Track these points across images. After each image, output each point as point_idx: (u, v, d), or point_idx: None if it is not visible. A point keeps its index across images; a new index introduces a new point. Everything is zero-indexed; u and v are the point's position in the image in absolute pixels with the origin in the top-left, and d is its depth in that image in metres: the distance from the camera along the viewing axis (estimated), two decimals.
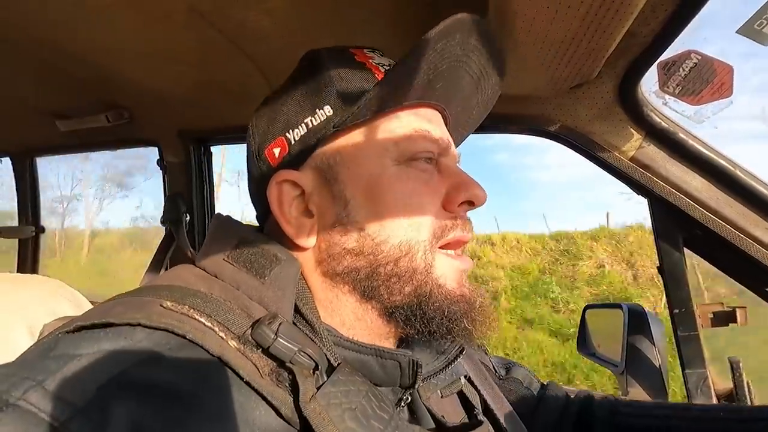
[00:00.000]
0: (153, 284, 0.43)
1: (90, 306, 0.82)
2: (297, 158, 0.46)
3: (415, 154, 0.45)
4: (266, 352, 0.37)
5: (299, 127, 0.45)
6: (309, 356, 0.38)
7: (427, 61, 0.41)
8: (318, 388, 0.37)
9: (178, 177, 1.31)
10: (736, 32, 0.57)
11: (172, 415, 0.31)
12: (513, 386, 0.68)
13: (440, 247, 0.46)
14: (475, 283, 0.49)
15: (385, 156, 0.45)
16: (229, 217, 0.49)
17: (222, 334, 0.36)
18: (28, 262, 1.68)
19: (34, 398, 0.28)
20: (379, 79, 0.46)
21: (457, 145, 0.55)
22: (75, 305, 0.81)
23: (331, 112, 0.44)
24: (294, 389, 0.36)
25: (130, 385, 0.31)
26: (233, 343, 0.36)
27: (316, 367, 0.38)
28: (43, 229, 1.68)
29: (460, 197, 0.46)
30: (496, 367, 0.69)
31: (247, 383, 0.35)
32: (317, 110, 0.45)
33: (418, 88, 0.44)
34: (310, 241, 0.45)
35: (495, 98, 0.54)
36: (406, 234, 0.44)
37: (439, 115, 0.50)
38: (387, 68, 0.48)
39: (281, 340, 0.37)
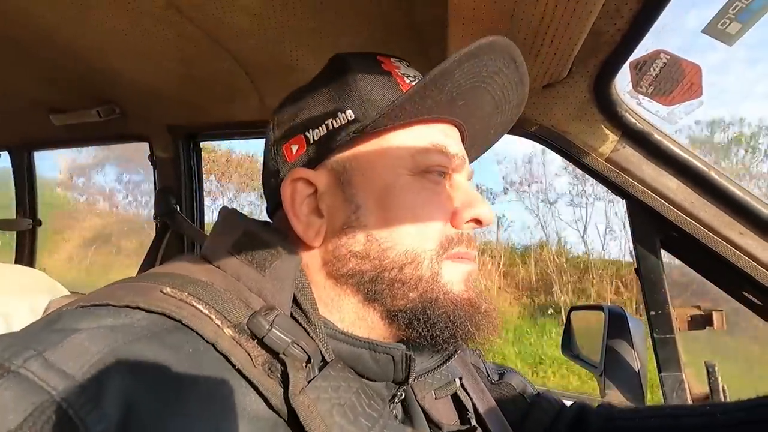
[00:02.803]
0: (155, 272, 0.44)
1: (71, 294, 0.84)
2: (314, 158, 0.47)
3: (429, 167, 0.46)
4: (260, 342, 0.38)
5: (320, 127, 0.46)
6: (302, 349, 0.38)
7: (452, 79, 0.42)
8: (309, 382, 0.37)
9: (167, 172, 1.33)
10: (702, 32, 0.57)
11: (165, 393, 0.31)
12: (505, 391, 0.67)
13: (447, 258, 0.46)
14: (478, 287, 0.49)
15: (400, 166, 0.45)
16: (234, 210, 0.51)
17: (218, 322, 0.37)
18: (25, 254, 1.71)
19: (34, 367, 0.29)
20: (404, 89, 0.47)
21: (471, 161, 0.56)
22: (54, 296, 0.83)
23: (353, 116, 0.45)
24: (285, 381, 0.37)
25: (126, 361, 0.31)
26: (228, 332, 0.37)
27: (309, 361, 0.39)
28: (40, 222, 1.71)
29: (468, 215, 0.47)
30: (489, 372, 0.69)
31: (239, 371, 0.35)
32: (339, 113, 0.46)
33: (441, 104, 0.45)
34: (317, 240, 0.46)
35: (514, 120, 0.55)
36: (412, 243, 0.44)
37: (457, 131, 0.51)
38: (412, 79, 0.48)
39: (275, 331, 0.38)
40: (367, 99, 0.45)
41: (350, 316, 0.46)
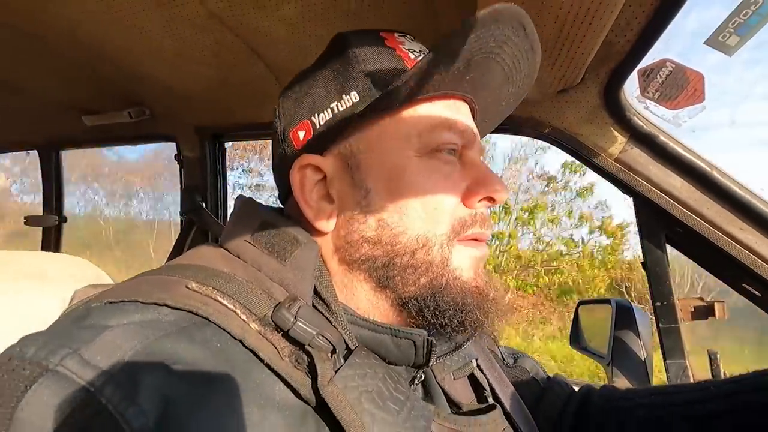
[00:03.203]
0: (178, 263, 0.44)
1: (96, 284, 0.90)
2: (321, 142, 0.46)
3: (439, 146, 0.45)
4: (286, 335, 0.38)
5: (325, 111, 0.45)
6: (327, 340, 0.39)
7: (459, 53, 0.39)
8: (335, 371, 0.38)
9: (194, 171, 1.39)
10: (704, 43, 0.63)
11: (197, 388, 0.32)
12: (519, 374, 0.68)
13: (459, 241, 0.46)
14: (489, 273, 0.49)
15: (408, 147, 0.44)
16: (251, 199, 0.51)
17: (244, 317, 0.37)
18: (50, 249, 1.77)
19: (71, 364, 0.29)
20: (408, 66, 0.45)
21: (482, 136, 0.55)
22: (98, 284, 0.89)
23: (358, 98, 0.44)
24: (312, 372, 0.37)
25: (159, 357, 0.32)
26: (254, 326, 0.37)
27: (334, 350, 0.39)
28: (65, 219, 1.77)
29: (480, 193, 0.45)
30: (504, 356, 0.70)
31: (267, 365, 0.36)
32: (344, 96, 0.45)
33: (448, 79, 0.43)
34: (329, 226, 0.46)
35: (526, 91, 0.52)
36: (423, 227, 0.44)
37: (467, 105, 0.49)
38: (417, 54, 0.47)
39: (300, 323, 0.38)
40: (371, 78, 0.44)
41: (364, 303, 0.46)
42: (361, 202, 0.45)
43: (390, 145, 0.45)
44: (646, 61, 0.74)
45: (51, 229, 1.79)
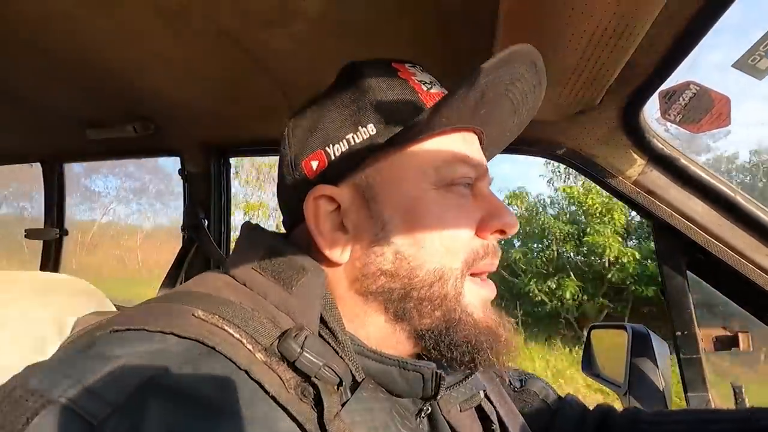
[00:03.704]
0: (183, 290, 0.44)
1: (113, 308, 0.87)
2: (336, 173, 0.46)
3: (455, 180, 0.45)
4: (292, 365, 0.38)
5: (340, 142, 0.45)
6: (334, 371, 0.38)
7: (476, 89, 0.41)
8: (342, 405, 0.37)
9: (198, 186, 1.37)
10: (732, 66, 0.60)
11: (202, 422, 0.32)
12: (528, 399, 0.67)
13: (471, 274, 0.46)
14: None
15: (425, 180, 0.45)
16: (257, 226, 0.51)
17: (250, 347, 0.37)
18: (50, 262, 1.75)
19: (75, 396, 0.29)
20: (422, 97, 0.46)
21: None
22: (99, 306, 0.85)
23: (374, 131, 0.44)
24: (318, 405, 0.37)
25: (164, 389, 0.32)
26: (260, 356, 0.37)
27: (341, 383, 0.39)
28: (66, 232, 1.75)
29: (493, 225, 0.46)
30: (511, 379, 0.68)
31: (273, 397, 0.35)
32: (360, 127, 0.45)
33: (465, 114, 0.44)
34: (343, 257, 0.45)
35: (528, 121, 0.54)
36: (441, 260, 0.44)
37: (476, 137, 0.50)
38: (428, 86, 0.48)
39: (306, 354, 0.37)
40: (387, 111, 0.45)
41: (376, 333, 0.46)
42: (378, 234, 0.45)
43: (407, 177, 0.45)
44: (668, 83, 0.71)
45: (52, 242, 1.77)
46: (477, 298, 0.46)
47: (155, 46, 0.93)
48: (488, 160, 0.60)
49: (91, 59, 1.02)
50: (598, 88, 0.68)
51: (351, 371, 0.40)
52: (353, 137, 0.45)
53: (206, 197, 1.36)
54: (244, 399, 0.34)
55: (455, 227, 0.45)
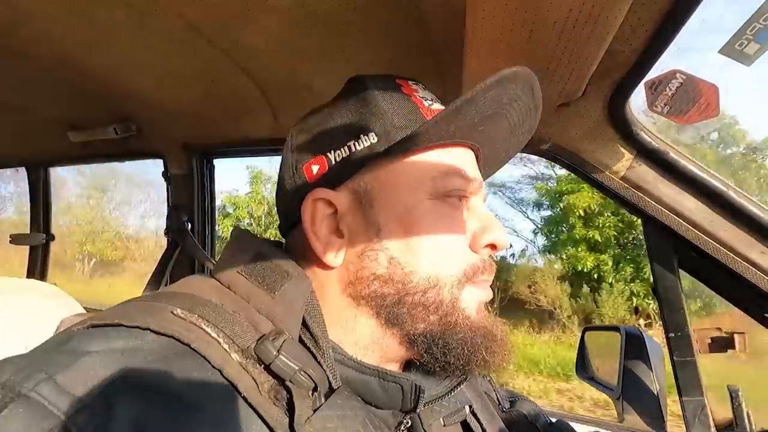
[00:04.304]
0: (167, 291, 0.44)
1: (83, 311, 0.84)
2: (335, 178, 0.47)
3: (450, 192, 0.46)
4: (267, 368, 0.37)
5: (342, 149, 0.46)
6: (309, 376, 0.38)
7: (476, 106, 0.42)
8: (314, 411, 0.37)
9: (181, 188, 1.35)
10: (718, 52, 0.57)
11: (174, 420, 0.31)
12: (517, 420, 0.65)
13: (470, 285, 0.46)
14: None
15: (421, 189, 0.45)
16: (246, 231, 0.51)
17: (226, 346, 0.37)
18: (37, 268, 1.72)
19: (45, 390, 0.29)
20: (423, 113, 0.48)
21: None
22: (69, 312, 0.83)
23: (376, 140, 0.45)
24: (291, 409, 0.36)
25: (136, 386, 0.32)
26: (236, 357, 0.37)
27: (316, 388, 0.38)
28: (53, 237, 1.73)
29: (485, 239, 0.47)
30: (500, 399, 0.67)
31: (245, 399, 0.35)
32: (362, 135, 0.46)
33: (463, 130, 0.46)
34: (336, 260, 0.46)
35: (524, 142, 0.56)
36: (435, 267, 0.44)
37: (473, 154, 0.51)
38: (429, 102, 0.49)
39: (282, 357, 0.37)
40: (389, 122, 0.46)
41: (365, 338, 0.46)
42: (372, 239, 0.45)
43: (404, 186, 0.46)
44: (654, 72, 0.68)
45: (38, 248, 1.75)
46: (474, 300, 0.47)
47: (130, 45, 0.91)
48: (485, 178, 0.60)
49: (68, 60, 1.00)
50: (580, 78, 0.65)
51: (328, 378, 0.40)
52: (354, 144, 0.46)
53: (190, 200, 1.33)
54: (217, 399, 0.34)
55: (448, 237, 0.46)
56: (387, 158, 0.46)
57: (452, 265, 0.45)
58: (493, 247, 0.48)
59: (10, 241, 1.69)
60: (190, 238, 1.31)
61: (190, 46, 0.87)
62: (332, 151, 0.47)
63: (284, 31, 0.77)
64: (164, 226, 1.36)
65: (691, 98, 0.66)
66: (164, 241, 1.38)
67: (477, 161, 0.52)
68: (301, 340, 0.41)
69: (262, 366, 0.37)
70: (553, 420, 0.68)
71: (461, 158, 0.48)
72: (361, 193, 0.46)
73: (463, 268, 0.46)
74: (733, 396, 0.81)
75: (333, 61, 0.86)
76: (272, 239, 0.53)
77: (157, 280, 1.33)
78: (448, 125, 0.44)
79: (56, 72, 1.08)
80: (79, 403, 0.29)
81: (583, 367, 1.18)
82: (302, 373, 0.37)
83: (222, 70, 0.94)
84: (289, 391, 0.37)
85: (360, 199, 0.46)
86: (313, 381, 0.38)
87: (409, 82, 0.51)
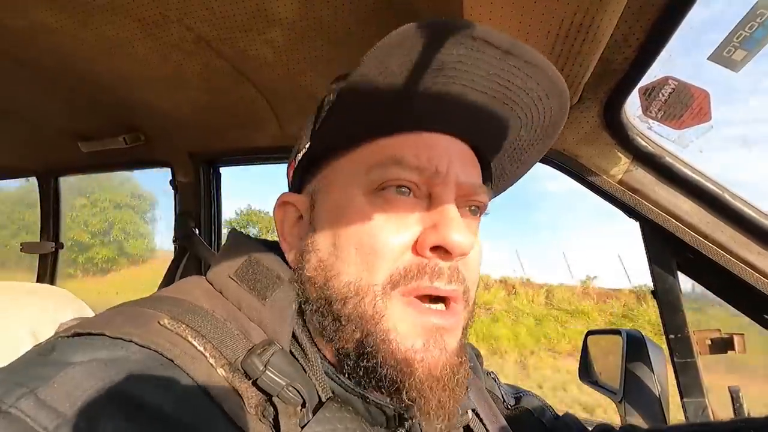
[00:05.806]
0: (159, 295, 0.43)
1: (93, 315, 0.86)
2: (298, 181, 0.48)
3: (385, 183, 0.40)
4: (254, 383, 0.36)
5: (299, 153, 0.47)
6: (297, 391, 0.36)
7: (383, 89, 0.36)
8: (302, 427, 0.36)
9: (188, 197, 1.37)
10: (707, 59, 0.59)
11: None
12: (522, 417, 0.64)
13: (403, 295, 0.39)
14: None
15: (355, 185, 0.41)
16: (241, 233, 0.50)
17: (212, 361, 0.36)
18: (47, 275, 1.75)
19: (26, 406, 0.28)
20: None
21: (503, 188, 0.54)
22: (79, 315, 0.85)
23: (308, 143, 0.46)
24: (277, 426, 0.35)
25: (119, 401, 0.30)
26: (222, 372, 0.35)
27: (304, 404, 0.37)
28: (62, 245, 1.75)
29: (430, 240, 0.39)
30: (505, 396, 0.66)
31: (229, 417, 0.34)
32: (304, 137, 0.47)
33: (402, 117, 0.40)
34: (296, 263, 0.45)
35: (546, 141, 0.48)
36: (356, 273, 0.39)
37: (462, 146, 0.44)
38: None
39: (269, 373, 0.36)
40: (316, 120, 0.46)
41: (326, 351, 0.42)
42: (308, 242, 0.44)
43: (338, 182, 0.43)
44: (648, 79, 0.70)
45: (48, 255, 1.77)
46: (408, 323, 0.38)
47: (138, 57, 0.94)
48: (503, 188, 0.55)
49: (78, 71, 1.04)
50: (575, 84, 0.67)
51: (317, 391, 0.39)
52: (303, 146, 0.46)
53: (196, 208, 1.36)
54: (201, 416, 0.33)
55: (380, 237, 0.39)
56: (328, 157, 0.45)
57: (377, 270, 0.38)
58: (438, 250, 0.39)
59: (21, 250, 1.72)
60: (198, 240, 1.33)
61: (197, 58, 0.90)
62: (296, 156, 0.48)
63: (289, 43, 0.79)
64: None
65: (684, 103, 0.67)
66: None
67: (482, 156, 0.47)
68: (291, 351, 0.40)
69: (250, 381, 0.36)
70: (560, 414, 0.67)
71: (413, 146, 0.41)
72: (313, 194, 0.46)
73: (388, 273, 0.38)
74: (734, 397, 0.82)
75: (336, 70, 0.88)
76: (272, 240, 0.52)
77: (166, 286, 1.35)
78: (358, 118, 0.39)
79: (68, 83, 1.11)
80: (60, 417, 0.28)
81: (586, 371, 1.18)
82: (290, 388, 0.36)
83: (229, 80, 0.97)
84: (275, 408, 0.36)
85: (312, 201, 0.46)
86: (301, 396, 0.36)
87: None
